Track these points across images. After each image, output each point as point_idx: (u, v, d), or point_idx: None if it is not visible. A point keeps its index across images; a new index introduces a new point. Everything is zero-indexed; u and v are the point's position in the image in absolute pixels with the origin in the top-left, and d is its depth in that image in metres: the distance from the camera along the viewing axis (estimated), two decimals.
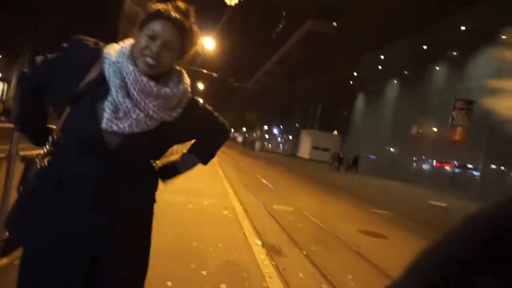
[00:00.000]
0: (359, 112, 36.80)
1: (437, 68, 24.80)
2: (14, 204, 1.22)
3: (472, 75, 21.19)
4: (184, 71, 1.26)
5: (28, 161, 1.23)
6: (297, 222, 6.29)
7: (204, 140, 1.41)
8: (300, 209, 7.53)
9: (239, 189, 8.71)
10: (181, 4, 1.16)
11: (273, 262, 3.89)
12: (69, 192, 1.12)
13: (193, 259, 3.50)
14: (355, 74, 36.08)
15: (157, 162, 1.32)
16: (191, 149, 1.42)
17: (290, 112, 49.71)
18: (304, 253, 4.59)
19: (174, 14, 1.13)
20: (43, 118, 1.28)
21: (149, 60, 1.10)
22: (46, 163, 1.18)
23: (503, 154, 17.75)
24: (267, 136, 64.92)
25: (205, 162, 1.44)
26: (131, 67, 1.11)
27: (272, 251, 4.35)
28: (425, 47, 24.75)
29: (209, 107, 1.40)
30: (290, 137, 50.31)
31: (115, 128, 1.09)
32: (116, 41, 1.22)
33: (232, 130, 63.21)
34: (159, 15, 1.12)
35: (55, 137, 1.20)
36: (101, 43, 1.20)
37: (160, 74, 1.16)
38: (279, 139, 60.08)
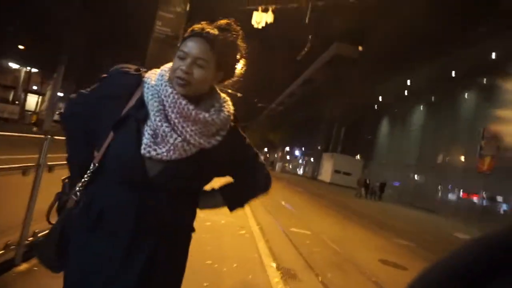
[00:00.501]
0: (384, 137, 36.16)
1: (466, 94, 24.23)
2: (48, 234, 1.21)
3: (502, 104, 20.52)
4: (228, 98, 1.22)
5: (63, 191, 1.22)
6: (314, 247, 6.17)
7: (239, 183, 1.32)
8: (318, 234, 7.39)
9: (257, 209, 8.68)
10: (222, 21, 1.14)
11: (287, 287, 3.82)
12: (110, 224, 1.10)
13: (207, 278, 3.49)
14: (380, 98, 35.69)
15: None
16: (221, 188, 1.32)
17: (312, 134, 49.47)
18: (320, 279, 4.48)
19: (206, 30, 1.10)
20: (92, 155, 1.23)
21: (179, 80, 1.08)
22: (82, 193, 1.17)
23: None
24: (288, 157, 64.63)
25: (231, 208, 1.33)
26: (169, 90, 1.09)
27: (287, 274, 4.27)
28: (453, 72, 24.27)
29: (251, 146, 1.32)
30: (312, 159, 49.86)
31: (153, 153, 1.07)
32: (145, 63, 1.26)
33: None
34: (190, 35, 1.12)
35: (95, 165, 1.17)
36: (142, 69, 1.20)
37: (201, 98, 1.14)
38: (300, 160, 59.65)
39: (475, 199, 20.93)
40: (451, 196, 23.64)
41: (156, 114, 1.09)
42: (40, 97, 25.58)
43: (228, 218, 6.76)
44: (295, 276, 4.30)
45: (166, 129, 1.08)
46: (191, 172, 1.13)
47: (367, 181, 24.34)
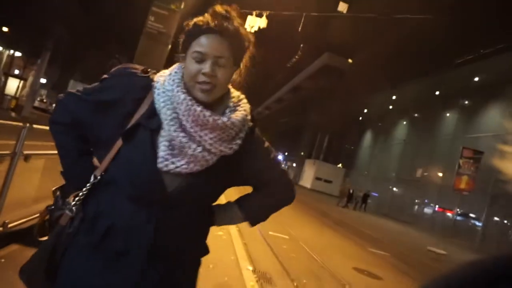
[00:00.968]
0: (366, 148, 36.75)
1: (448, 114, 24.89)
2: (35, 255, 1.05)
3: (482, 126, 21.21)
4: (243, 96, 1.10)
5: (55, 204, 1.07)
6: (292, 252, 6.21)
7: (260, 195, 1.19)
8: (296, 239, 7.44)
9: None
10: (219, 8, 0.99)
11: None
12: (121, 244, 0.97)
13: None
14: (366, 111, 36.28)
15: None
16: (240, 200, 1.20)
17: (296, 140, 49.82)
18: (295, 284, 4.51)
19: (213, 22, 0.96)
20: (92, 165, 1.08)
21: (204, 85, 0.96)
22: (78, 208, 1.02)
23: (507, 208, 17.50)
24: None
25: (252, 223, 1.20)
26: (182, 96, 0.97)
27: (263, 278, 4.29)
28: (437, 92, 24.93)
29: (271, 149, 1.18)
30: (294, 164, 50.19)
31: (171, 166, 0.96)
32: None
33: None
34: (198, 31, 0.97)
35: (98, 176, 1.02)
36: (149, 70, 1.06)
37: (216, 100, 1.01)
38: (282, 165, 59.95)
39: (449, 214, 21.48)
40: (427, 210, 24.19)
41: (171, 123, 0.97)
42: (22, 81, 24.86)
43: None
44: (270, 281, 4.31)
45: (183, 139, 0.96)
46: (213, 183, 1.03)
47: (351, 191, 24.33)
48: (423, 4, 17.19)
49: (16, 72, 28.77)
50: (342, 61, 35.86)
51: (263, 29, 11.11)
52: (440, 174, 22.88)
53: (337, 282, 5.26)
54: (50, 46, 20.51)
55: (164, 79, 1.02)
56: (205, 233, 1.13)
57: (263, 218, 1.22)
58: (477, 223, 19.53)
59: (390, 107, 31.54)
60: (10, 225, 3.15)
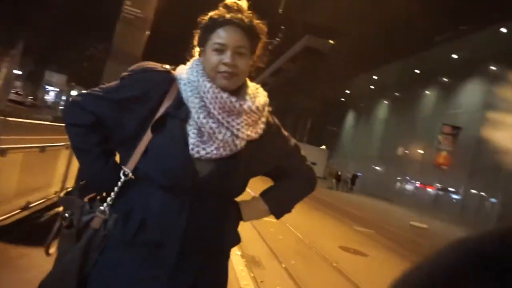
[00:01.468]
0: (349, 129, 37.19)
1: (427, 92, 25.34)
2: (57, 266, 1.03)
3: (460, 102, 21.73)
4: (258, 85, 1.15)
5: (83, 208, 1.04)
6: (279, 234, 6.30)
7: (283, 185, 1.23)
8: (283, 221, 7.55)
9: None
10: (230, 2, 1.05)
11: (251, 274, 3.89)
12: (155, 235, 0.99)
13: None
14: (348, 91, 36.55)
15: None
16: (264, 194, 1.21)
17: (280, 123, 49.87)
18: (284, 266, 4.60)
19: (229, 15, 1.02)
20: (117, 165, 1.07)
21: (226, 74, 1.00)
22: (110, 210, 1.02)
23: (484, 181, 18.15)
24: None
25: (278, 215, 1.23)
26: (208, 85, 1.01)
27: (251, 262, 4.35)
28: (417, 71, 25.27)
29: (290, 136, 1.22)
30: None
31: (202, 152, 0.99)
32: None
33: None
34: (216, 24, 1.02)
35: (129, 173, 1.03)
36: (168, 66, 1.09)
37: (237, 87, 1.06)
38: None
39: (430, 190, 22.14)
40: (409, 187, 24.85)
41: (199, 111, 1.00)
42: None
43: None
44: (259, 264, 4.38)
45: (213, 125, 1.00)
46: (241, 168, 1.05)
47: (339, 173, 24.53)
48: None
49: None
50: (323, 42, 35.82)
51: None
52: (421, 151, 23.45)
53: (324, 261, 5.39)
54: (25, 36, 19.73)
55: (187, 72, 1.06)
56: (236, 223, 1.16)
57: (288, 209, 1.24)
58: (456, 196, 20.22)
59: (372, 87, 31.85)
60: None
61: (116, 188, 1.02)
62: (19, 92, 33.56)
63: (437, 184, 21.10)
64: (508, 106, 16.96)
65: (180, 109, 1.02)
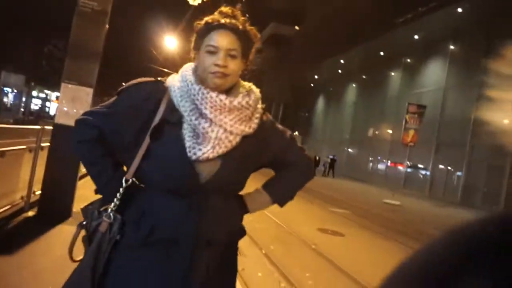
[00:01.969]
0: (320, 114, 37.74)
1: (393, 73, 26.03)
2: (75, 271, 1.09)
3: (425, 82, 22.47)
4: (251, 84, 1.21)
5: (92, 215, 1.12)
6: (257, 222, 6.34)
7: (283, 175, 1.29)
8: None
9: None
10: (225, 9, 1.12)
11: None
12: (166, 236, 1.05)
13: None
14: (316, 77, 36.94)
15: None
16: (265, 185, 1.29)
17: None
18: (263, 252, 4.64)
19: (223, 20, 1.09)
20: (119, 173, 1.14)
21: (219, 74, 1.06)
22: (115, 214, 1.09)
23: (450, 156, 19.00)
24: None
25: (281, 203, 1.30)
26: (196, 87, 1.07)
27: None
28: (382, 53, 25.85)
29: (285, 128, 1.30)
30: None
31: (199, 153, 1.04)
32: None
33: None
34: (210, 28, 1.09)
35: (130, 179, 1.10)
36: (160, 78, 1.17)
37: (229, 88, 1.12)
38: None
39: (400, 168, 22.93)
40: (381, 166, 25.63)
41: (191, 113, 1.06)
42: None
43: None
44: (239, 252, 4.39)
45: (205, 125, 1.05)
46: (239, 163, 1.10)
47: (317, 158, 24.21)
48: None
49: None
50: (289, 29, 35.90)
51: (206, 2, 10.73)
52: (390, 131, 24.18)
53: (303, 244, 5.49)
54: None
55: (177, 79, 1.12)
56: (241, 217, 1.23)
57: (290, 197, 1.31)
58: (425, 172, 21.07)
59: (339, 71, 32.33)
60: None
61: (118, 194, 1.09)
62: None
63: (407, 162, 21.89)
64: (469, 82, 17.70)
65: (174, 115, 1.08)
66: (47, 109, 44.05)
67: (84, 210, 1.15)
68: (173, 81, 1.12)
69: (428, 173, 20.71)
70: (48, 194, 4.30)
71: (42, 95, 47.41)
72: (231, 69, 1.08)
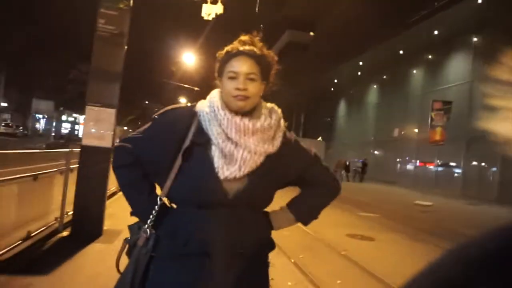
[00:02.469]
0: (342, 118, 37.25)
1: (414, 71, 25.43)
2: (117, 282, 1.19)
3: (448, 77, 21.81)
4: (273, 104, 1.29)
5: (132, 231, 1.23)
6: (285, 231, 6.28)
7: (308, 194, 1.35)
8: None
9: None
10: (244, 37, 1.22)
11: None
12: (199, 249, 1.12)
13: None
14: (336, 81, 36.59)
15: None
16: (290, 203, 1.35)
17: None
18: (292, 261, 4.60)
19: (242, 48, 1.18)
20: (156, 196, 1.24)
21: (240, 97, 1.14)
22: (150, 229, 1.19)
23: (483, 151, 18.22)
24: None
25: (305, 222, 1.36)
26: (222, 112, 1.15)
27: None
28: (401, 51, 25.35)
29: (308, 148, 1.34)
30: None
31: (227, 173, 1.12)
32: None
33: None
34: (230, 56, 1.18)
35: (164, 198, 1.20)
36: (190, 104, 1.27)
37: (252, 109, 1.20)
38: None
39: (430, 167, 22.22)
40: (409, 167, 24.92)
41: (218, 136, 1.14)
42: None
43: None
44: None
45: (232, 147, 1.13)
46: (264, 181, 1.17)
47: (347, 163, 23.68)
48: None
49: None
50: (304, 35, 35.87)
51: (220, 15, 10.91)
52: (416, 130, 23.53)
53: (333, 251, 5.40)
54: (4, 68, 19.60)
55: (206, 104, 1.21)
56: (269, 231, 1.29)
57: (315, 216, 1.37)
58: (457, 170, 20.29)
59: (359, 73, 31.90)
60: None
61: (153, 211, 1.19)
62: (9, 124, 33.36)
63: (437, 161, 21.18)
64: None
65: (203, 137, 1.17)
66: (76, 132, 45.77)
67: (130, 227, 1.26)
68: (202, 106, 1.21)
69: (460, 170, 19.95)
70: (79, 214, 4.46)
71: (71, 118, 49.38)
72: (251, 91, 1.16)
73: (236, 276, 1.14)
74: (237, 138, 1.14)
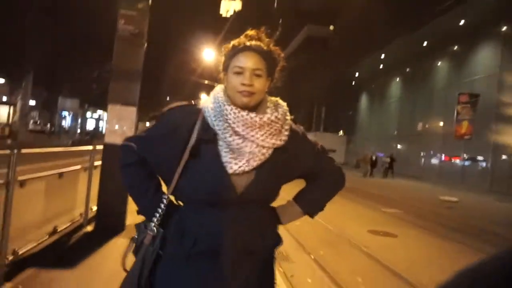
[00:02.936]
0: (364, 111, 36.61)
1: (439, 63, 24.62)
2: (124, 279, 1.20)
3: (474, 69, 21.02)
4: (279, 98, 1.28)
5: (139, 229, 1.23)
6: (305, 226, 6.25)
7: (314, 186, 1.35)
8: None
9: None
10: (251, 32, 1.21)
11: (280, 269, 3.88)
12: (208, 248, 1.12)
13: None
14: (357, 74, 35.96)
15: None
16: (296, 197, 1.36)
17: (295, 116, 49.67)
18: (313, 257, 4.57)
19: (248, 43, 1.17)
20: (163, 195, 1.23)
21: (245, 93, 1.13)
22: (158, 228, 1.18)
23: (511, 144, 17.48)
24: None
25: (311, 214, 1.36)
26: (228, 107, 1.14)
27: (279, 257, 4.33)
28: (425, 43, 24.58)
29: (314, 141, 1.35)
30: None
31: (235, 167, 1.12)
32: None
33: None
34: (236, 51, 1.17)
35: (169, 196, 1.20)
36: (193, 101, 1.26)
37: (257, 105, 1.19)
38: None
39: (457, 161, 21.54)
40: (434, 161, 24.25)
41: (225, 131, 1.13)
42: (11, 107, 24.71)
43: None
44: (287, 258, 4.37)
45: (239, 141, 1.13)
46: (273, 174, 1.17)
47: (373, 158, 22.73)
48: None
49: (4, 99, 28.60)
50: (324, 29, 35.39)
51: (239, 11, 10.90)
52: (441, 124, 22.85)
53: (354, 248, 5.33)
54: (32, 67, 20.30)
55: (210, 101, 1.20)
56: (276, 227, 1.28)
57: (321, 208, 1.36)
58: (484, 164, 19.58)
59: (381, 66, 31.21)
60: (20, 252, 3.17)
61: (160, 210, 1.18)
62: (37, 122, 34.61)
63: (464, 155, 20.52)
64: None
65: (209, 133, 1.16)
66: (100, 129, 47.03)
67: (137, 226, 1.25)
68: (207, 102, 1.21)
69: (488, 165, 19.24)
70: (103, 210, 4.58)
71: (95, 115, 50.72)
72: (257, 87, 1.14)
73: (245, 275, 1.13)
74: (244, 133, 1.13)
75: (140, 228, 1.22)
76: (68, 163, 4.62)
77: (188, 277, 1.13)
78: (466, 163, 20.68)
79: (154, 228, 1.18)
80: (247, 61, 1.15)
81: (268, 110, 1.19)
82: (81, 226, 4.57)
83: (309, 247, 4.93)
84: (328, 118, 42.39)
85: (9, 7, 16.67)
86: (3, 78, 25.14)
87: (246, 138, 1.13)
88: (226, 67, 1.19)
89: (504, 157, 18.50)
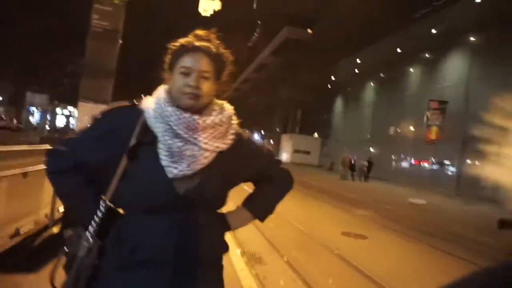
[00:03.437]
0: (339, 115, 37.29)
1: (411, 70, 25.44)
2: None
3: (444, 76, 21.85)
4: (225, 102, 1.23)
5: (68, 245, 1.10)
6: (279, 229, 6.28)
7: (262, 190, 1.32)
8: (282, 215, 7.53)
9: None
10: (200, 32, 1.15)
11: (253, 271, 3.87)
12: (147, 257, 1.05)
13: None
14: (333, 78, 36.58)
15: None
16: (246, 201, 1.32)
17: (270, 117, 49.94)
18: (285, 259, 4.58)
19: (197, 43, 1.12)
20: (97, 200, 1.14)
21: (191, 95, 1.09)
22: (94, 238, 1.08)
23: (478, 150, 18.27)
24: None
25: (261, 218, 1.31)
26: (170, 109, 1.09)
27: (252, 259, 4.33)
28: (399, 50, 25.33)
29: (261, 143, 1.32)
30: (272, 141, 50.52)
31: (175, 172, 1.06)
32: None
33: None
34: (184, 50, 1.12)
35: (107, 203, 1.10)
36: (135, 101, 1.19)
37: (203, 107, 1.14)
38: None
39: (425, 165, 22.29)
40: (404, 165, 25.00)
41: (165, 133, 1.08)
42: None
43: None
44: (260, 260, 4.36)
45: (180, 144, 1.08)
46: (216, 178, 1.13)
47: (352, 161, 22.33)
48: None
49: None
50: (302, 32, 35.77)
51: (219, 11, 10.84)
52: (412, 129, 23.58)
53: (326, 250, 5.39)
54: None
55: (151, 101, 1.14)
56: (223, 233, 1.23)
57: (270, 211, 1.33)
58: (452, 168, 20.37)
59: (356, 71, 31.90)
60: None
61: (96, 217, 1.09)
62: (3, 117, 33.09)
63: (432, 159, 21.25)
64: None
65: (148, 136, 1.10)
66: (71, 126, 45.50)
67: (68, 236, 1.13)
68: (148, 103, 1.14)
69: (455, 169, 20.03)
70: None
71: (66, 112, 49.04)
72: (203, 90, 1.10)
73: (189, 286, 1.08)
74: (187, 136, 1.08)
75: (73, 239, 1.10)
76: (34, 161, 4.42)
77: None
78: (435, 167, 21.44)
79: (90, 238, 1.08)
80: (195, 63, 1.10)
81: (213, 113, 1.15)
82: (46, 228, 4.39)
83: (282, 249, 4.95)
84: (304, 120, 42.93)
85: None
86: None
87: (188, 140, 1.08)
88: (171, 66, 1.13)
89: (469, 161, 19.32)
